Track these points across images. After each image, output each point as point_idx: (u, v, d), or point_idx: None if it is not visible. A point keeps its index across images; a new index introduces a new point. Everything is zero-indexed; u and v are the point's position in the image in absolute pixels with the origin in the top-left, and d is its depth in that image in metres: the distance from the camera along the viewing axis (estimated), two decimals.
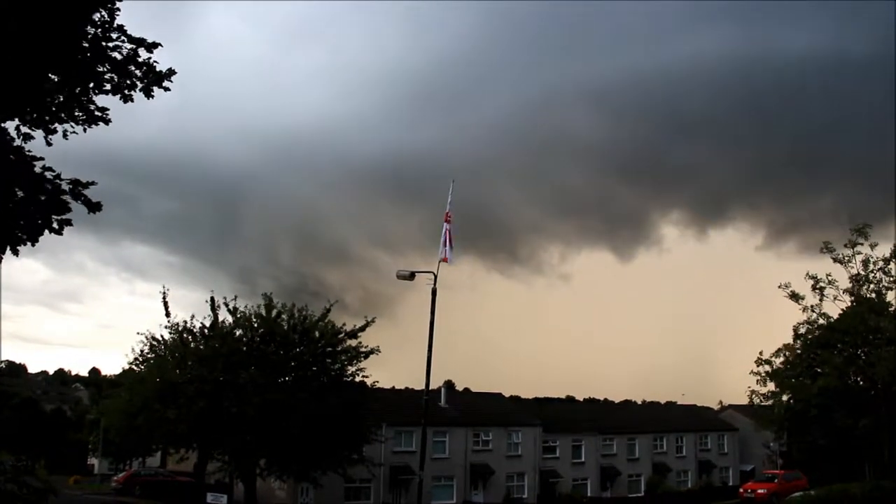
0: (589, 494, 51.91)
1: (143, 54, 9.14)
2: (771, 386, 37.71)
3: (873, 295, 35.38)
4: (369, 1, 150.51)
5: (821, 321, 36.55)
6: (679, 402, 73.12)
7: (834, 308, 36.35)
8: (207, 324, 30.66)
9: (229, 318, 30.82)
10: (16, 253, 8.74)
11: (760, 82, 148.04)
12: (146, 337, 31.31)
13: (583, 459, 53.37)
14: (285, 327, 30.40)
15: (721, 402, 67.88)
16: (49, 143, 8.99)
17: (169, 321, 30.75)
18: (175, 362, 30.40)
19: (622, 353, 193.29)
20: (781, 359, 37.69)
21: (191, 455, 34.32)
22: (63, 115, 9.01)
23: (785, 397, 37.86)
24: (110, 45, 8.94)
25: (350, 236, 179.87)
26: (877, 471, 38.71)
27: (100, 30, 8.83)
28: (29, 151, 8.92)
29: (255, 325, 30.47)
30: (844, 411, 35.28)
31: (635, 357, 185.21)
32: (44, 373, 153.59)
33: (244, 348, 30.05)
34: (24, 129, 8.92)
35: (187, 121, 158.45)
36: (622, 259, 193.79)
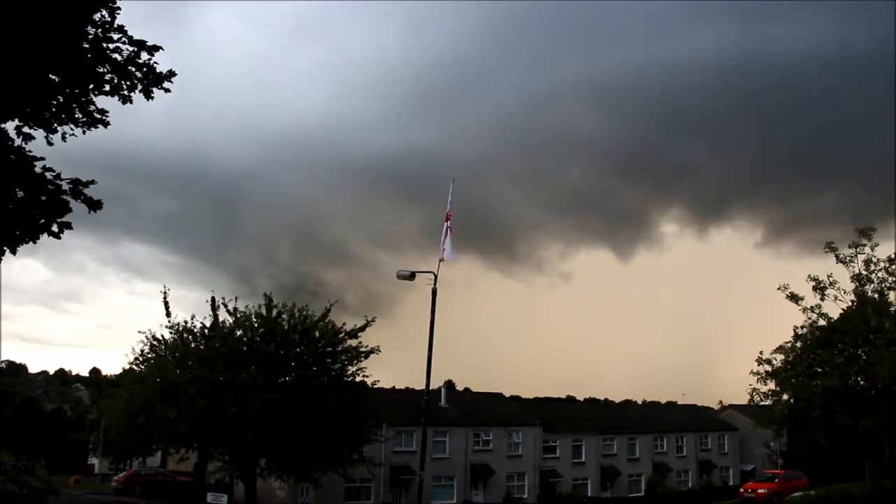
0: (589, 494, 51.90)
1: (143, 56, 9.15)
2: (772, 385, 37.72)
3: (875, 295, 35.37)
4: (368, 0, 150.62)
5: (821, 322, 36.53)
6: (679, 402, 73.23)
7: (835, 308, 36.37)
8: (208, 324, 30.69)
9: (229, 318, 30.86)
10: (14, 252, 8.74)
11: (760, 80, 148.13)
12: (146, 337, 31.35)
13: (583, 459, 53.37)
14: (286, 327, 30.41)
15: (721, 402, 67.97)
16: (50, 143, 9.00)
17: (169, 321, 30.80)
18: (175, 362, 30.40)
19: (622, 353, 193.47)
20: (782, 357, 37.67)
21: (191, 455, 34.33)
22: (63, 115, 9.00)
23: (785, 396, 37.84)
24: (111, 46, 8.94)
25: (349, 236, 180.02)
26: (877, 471, 38.71)
27: (100, 30, 8.83)
28: (29, 152, 8.92)
29: (256, 324, 30.48)
30: (845, 411, 35.29)
31: (635, 357, 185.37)
32: (44, 373, 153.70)
33: (244, 348, 30.05)
34: (25, 130, 8.92)
35: (186, 120, 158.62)
36: (622, 258, 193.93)
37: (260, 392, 27.64)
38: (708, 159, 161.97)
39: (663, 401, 78.48)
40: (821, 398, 35.00)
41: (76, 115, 9.07)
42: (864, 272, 35.51)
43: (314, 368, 30.58)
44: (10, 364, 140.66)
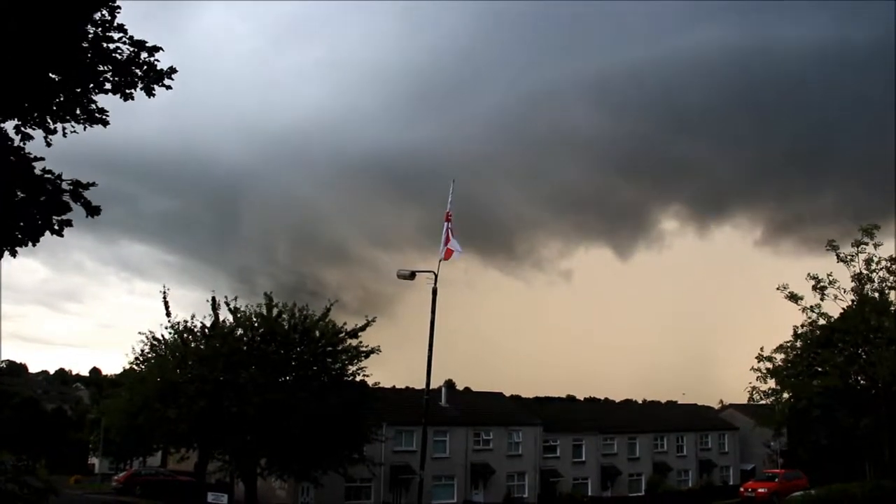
0: (589, 494, 51.92)
1: (143, 56, 9.13)
2: (772, 383, 37.67)
3: (875, 294, 35.31)
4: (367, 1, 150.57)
5: (821, 321, 36.47)
6: (680, 402, 73.20)
7: (835, 307, 36.31)
8: (208, 323, 30.70)
9: (230, 318, 30.87)
10: (14, 254, 8.73)
11: (760, 78, 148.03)
12: (147, 336, 31.37)
13: (583, 459, 53.36)
14: (286, 327, 30.41)
15: (722, 402, 68.04)
16: (49, 144, 8.98)
17: (169, 321, 30.81)
18: (175, 362, 30.41)
19: (622, 353, 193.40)
20: (782, 356, 37.61)
21: (191, 455, 34.34)
22: (63, 114, 8.99)
23: (786, 395, 37.79)
24: (111, 46, 8.93)
25: (348, 235, 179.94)
26: (877, 470, 38.67)
27: (100, 29, 8.82)
28: (29, 152, 8.91)
29: (256, 324, 30.50)
30: (846, 411, 35.22)
31: (636, 356, 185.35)
32: (44, 372, 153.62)
33: (245, 348, 30.06)
34: (24, 130, 8.91)
35: (184, 119, 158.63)
36: (621, 256, 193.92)
37: (260, 392, 27.65)
38: (708, 157, 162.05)
39: (663, 400, 78.57)
40: (821, 397, 34.92)
41: (76, 113, 9.06)
42: (864, 271, 35.46)
43: (314, 368, 30.59)
44: (11, 364, 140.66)
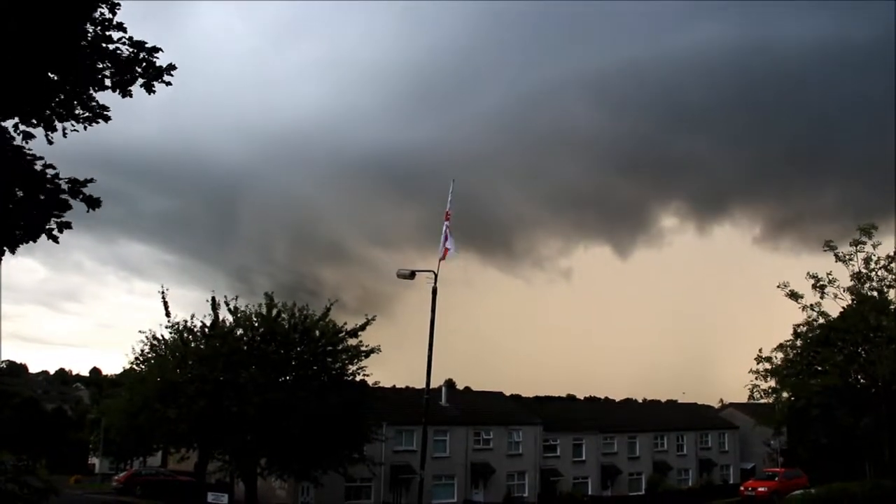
0: (590, 493, 51.94)
1: (143, 56, 9.13)
2: (772, 382, 37.71)
3: (874, 293, 35.33)
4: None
5: (821, 320, 36.50)
6: (680, 401, 73.18)
7: (834, 306, 36.34)
8: (208, 323, 30.70)
9: (230, 318, 30.87)
10: (13, 251, 8.73)
11: (760, 76, 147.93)
12: (147, 336, 31.37)
13: (583, 458, 53.38)
14: (286, 326, 30.41)
15: (722, 401, 68.04)
16: (50, 142, 8.98)
17: (169, 321, 30.80)
18: (175, 362, 30.40)
19: (622, 352, 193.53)
20: (782, 355, 37.64)
21: (191, 455, 34.33)
22: (63, 112, 8.99)
23: (785, 395, 37.82)
24: (111, 47, 8.93)
25: (347, 234, 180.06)
26: (877, 470, 38.70)
27: (100, 28, 8.81)
28: (29, 150, 8.91)
29: (256, 324, 30.49)
30: (846, 410, 35.24)
31: (636, 355, 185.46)
32: (44, 372, 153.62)
33: (245, 348, 30.06)
34: (24, 128, 8.90)
35: (183, 118, 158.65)
36: (621, 255, 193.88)
37: (260, 391, 27.64)
38: (708, 155, 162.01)
39: (664, 399, 78.58)
40: (820, 396, 34.96)
41: (76, 112, 9.05)
42: (863, 270, 35.48)
43: (314, 368, 30.58)
44: (11, 364, 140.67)
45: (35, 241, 8.89)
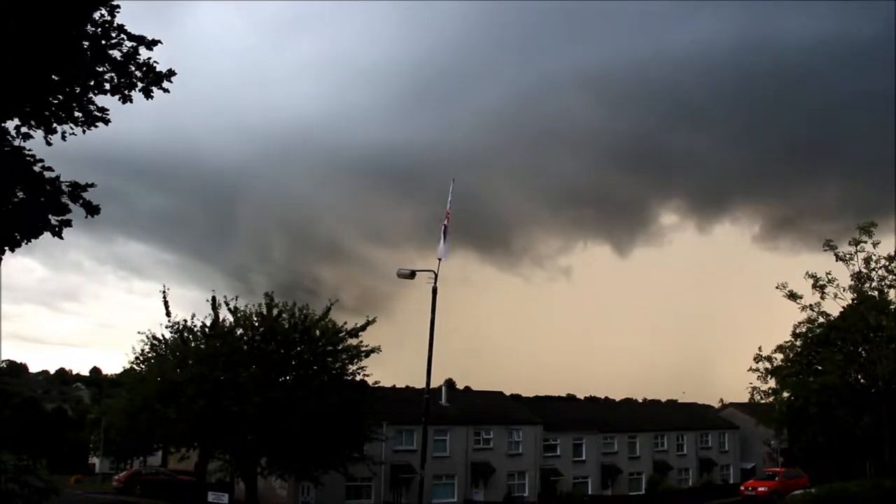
0: (590, 493, 51.92)
1: (143, 52, 9.14)
2: (772, 383, 37.69)
3: (875, 293, 35.31)
4: None
5: (821, 319, 36.49)
6: (680, 401, 73.14)
7: (834, 306, 36.32)
8: (208, 323, 30.71)
9: (230, 317, 30.88)
10: (13, 251, 8.75)
11: (760, 72, 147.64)
12: (147, 336, 31.39)
13: (584, 458, 53.36)
14: (286, 326, 30.42)
15: (722, 400, 67.83)
16: (49, 143, 8.99)
17: (169, 320, 30.82)
18: (176, 361, 30.43)
19: (622, 352, 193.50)
20: (781, 355, 37.63)
21: (192, 454, 34.37)
22: (63, 114, 9.00)
23: (785, 394, 37.80)
24: (111, 43, 8.93)
25: (345, 232, 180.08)
26: (877, 469, 38.70)
27: (100, 29, 8.83)
28: (29, 150, 8.92)
29: (256, 323, 30.50)
30: (845, 409, 35.22)
31: (636, 355, 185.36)
32: (44, 372, 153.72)
33: (245, 347, 30.08)
34: (24, 130, 8.91)
35: (180, 116, 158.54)
36: (621, 253, 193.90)
37: (260, 391, 27.66)
38: (708, 153, 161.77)
39: (664, 399, 78.53)
40: (819, 395, 34.92)
41: (76, 115, 9.07)
42: (863, 270, 35.45)
43: (314, 367, 30.61)
44: (11, 364, 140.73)
45: (36, 239, 8.91)
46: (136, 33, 9.05)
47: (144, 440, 43.82)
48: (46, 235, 8.90)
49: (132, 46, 9.00)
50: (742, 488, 44.04)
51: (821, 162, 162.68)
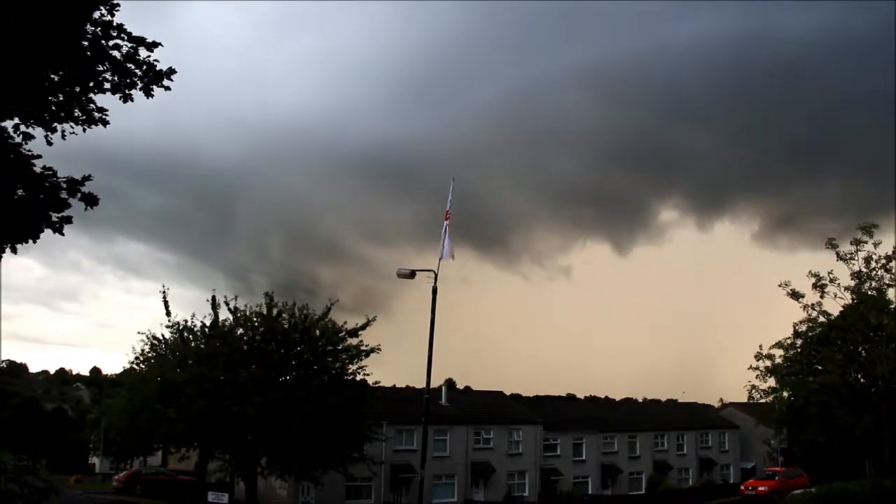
0: (590, 492, 51.92)
1: (142, 52, 9.14)
2: (771, 382, 37.66)
3: (874, 292, 35.29)
4: None
5: (821, 318, 36.46)
6: (680, 400, 73.14)
7: (834, 305, 36.30)
8: (208, 323, 30.70)
9: (230, 317, 30.87)
10: (14, 251, 8.75)
11: (761, 68, 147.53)
12: (146, 336, 31.39)
13: (584, 457, 53.36)
14: (286, 326, 30.42)
15: (722, 400, 67.90)
16: (49, 143, 8.99)
17: (169, 320, 30.82)
18: (176, 361, 30.42)
19: (622, 351, 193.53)
20: (781, 353, 37.60)
21: (192, 454, 34.35)
22: (62, 114, 9.00)
23: (785, 394, 37.77)
24: (110, 43, 8.93)
25: (343, 231, 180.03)
26: (877, 469, 38.68)
27: (99, 28, 8.82)
28: (28, 150, 8.92)
29: (256, 323, 30.50)
30: (845, 409, 35.20)
31: (636, 355, 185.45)
32: (44, 372, 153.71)
33: (245, 347, 30.07)
34: (24, 129, 8.91)
35: (177, 115, 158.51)
36: (621, 252, 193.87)
37: (260, 391, 27.65)
38: (708, 150, 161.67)
39: (664, 399, 78.54)
40: (818, 395, 34.90)
41: (75, 114, 9.06)
42: (864, 269, 35.43)
43: (314, 367, 30.60)
44: (11, 364, 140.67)
45: (36, 241, 8.91)
46: (136, 34, 9.05)
47: (144, 440, 43.79)
48: (45, 234, 8.91)
49: (132, 47, 8.99)
50: (742, 488, 44.04)
51: (821, 159, 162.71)
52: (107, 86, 9.11)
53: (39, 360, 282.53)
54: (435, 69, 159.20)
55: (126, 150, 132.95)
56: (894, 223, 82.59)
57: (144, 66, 9.09)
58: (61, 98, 9.00)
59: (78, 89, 9.01)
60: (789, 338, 37.65)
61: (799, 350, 37.38)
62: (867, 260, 35.29)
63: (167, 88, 9.33)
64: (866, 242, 35.10)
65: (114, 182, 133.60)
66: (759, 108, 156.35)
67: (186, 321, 30.80)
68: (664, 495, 52.36)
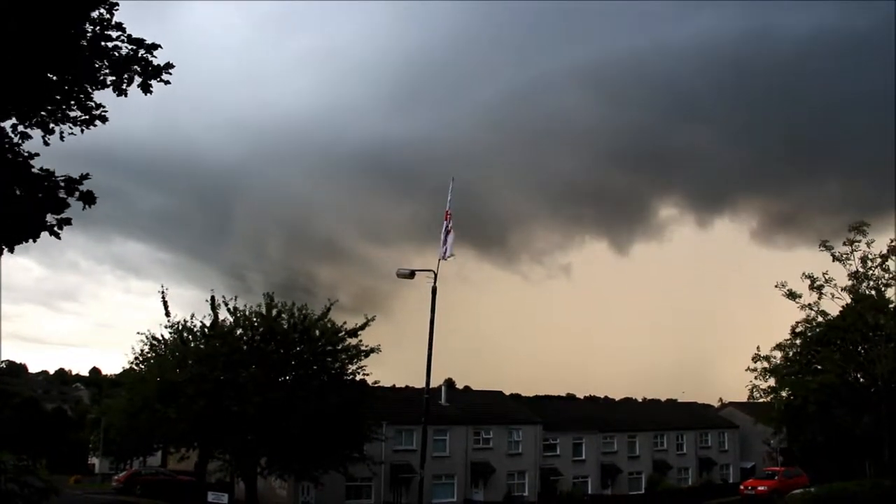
0: (590, 492, 51.93)
1: (141, 54, 9.13)
2: (771, 381, 37.67)
3: (872, 292, 35.29)
4: None
5: (819, 319, 36.46)
6: (679, 400, 73.16)
7: (833, 306, 36.29)
8: (207, 323, 30.71)
9: (229, 318, 30.87)
10: (12, 251, 8.74)
11: (761, 66, 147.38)
12: (146, 336, 31.39)
13: (583, 457, 53.38)
14: (285, 326, 30.42)
15: (721, 400, 67.96)
16: (46, 143, 8.98)
17: (169, 321, 30.82)
18: (175, 361, 30.42)
19: (622, 351, 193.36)
20: (780, 354, 37.61)
21: (191, 454, 34.37)
22: (60, 114, 8.99)
23: (784, 394, 37.78)
24: (109, 44, 8.93)
25: (342, 230, 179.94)
26: (877, 469, 38.69)
27: (98, 27, 8.82)
28: (26, 151, 8.92)
29: (256, 323, 30.50)
30: (845, 409, 35.20)
31: (635, 354, 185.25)
32: (44, 372, 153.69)
33: (244, 347, 30.07)
34: (21, 129, 8.90)
35: (175, 113, 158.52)
36: (620, 250, 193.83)
37: (260, 391, 27.65)
38: (707, 148, 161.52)
39: (663, 398, 78.51)
40: (817, 394, 34.89)
41: (74, 114, 9.06)
42: (860, 269, 35.42)
43: (314, 367, 30.61)
44: (10, 364, 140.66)
45: (35, 241, 8.90)
46: (135, 33, 9.05)
47: (144, 440, 43.81)
48: (44, 234, 8.89)
49: (131, 49, 8.99)
50: (742, 487, 44.05)
51: (820, 159, 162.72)
52: (107, 81, 9.10)
53: (39, 361, 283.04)
54: (434, 68, 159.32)
55: (125, 149, 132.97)
56: (894, 223, 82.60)
57: (142, 62, 9.08)
58: (59, 98, 8.99)
59: (76, 88, 9.00)
60: (788, 338, 37.68)
61: (798, 350, 37.38)
62: (863, 260, 35.28)
63: (166, 83, 9.32)
64: (860, 242, 35.09)
65: (112, 181, 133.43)
66: (758, 108, 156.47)
67: (186, 321, 30.85)
68: (664, 495, 52.39)
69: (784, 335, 37.92)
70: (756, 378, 37.37)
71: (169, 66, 9.23)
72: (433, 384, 23.69)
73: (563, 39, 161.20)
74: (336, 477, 32.37)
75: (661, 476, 55.93)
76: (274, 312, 30.52)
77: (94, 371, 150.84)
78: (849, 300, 35.49)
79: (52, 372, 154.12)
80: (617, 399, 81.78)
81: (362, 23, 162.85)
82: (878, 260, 35.02)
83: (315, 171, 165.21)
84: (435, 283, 20.25)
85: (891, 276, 35.18)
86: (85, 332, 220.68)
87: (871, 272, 35.22)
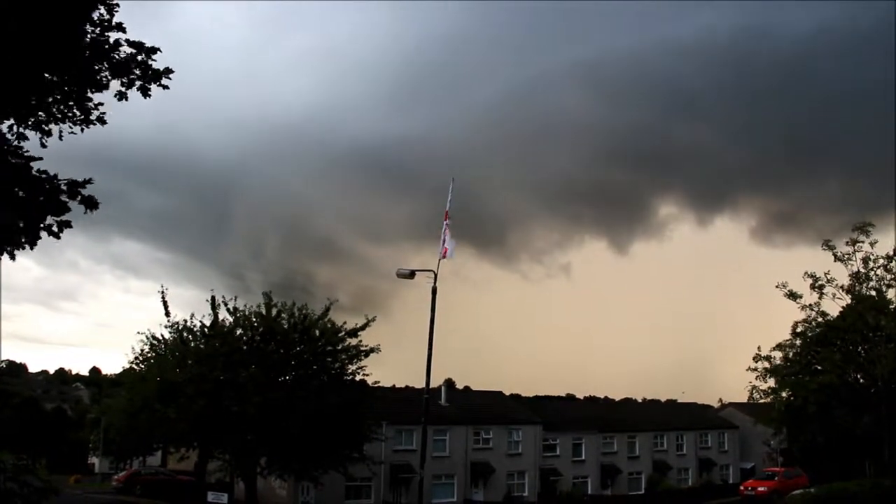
0: (589, 492, 51.92)
1: (141, 58, 9.12)
2: (771, 382, 37.64)
3: (873, 292, 35.26)
4: None
5: (819, 319, 36.43)
6: (679, 400, 73.16)
7: (833, 306, 36.27)
8: (207, 323, 30.70)
9: (229, 318, 30.87)
10: (12, 257, 8.73)
11: (760, 64, 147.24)
12: (146, 336, 31.39)
13: (583, 457, 53.37)
14: (285, 326, 30.42)
15: (721, 400, 67.86)
16: (44, 145, 8.97)
17: (169, 321, 30.82)
18: (175, 361, 30.42)
19: (622, 351, 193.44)
20: (780, 354, 37.58)
21: (191, 454, 34.37)
22: (59, 115, 8.98)
23: (785, 394, 37.76)
24: (109, 45, 8.92)
25: (340, 229, 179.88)
26: (877, 469, 38.68)
27: (99, 28, 8.81)
28: (26, 152, 8.90)
29: (256, 323, 30.50)
30: (845, 409, 35.18)
31: (635, 355, 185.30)
32: (44, 372, 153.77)
33: (244, 347, 30.07)
34: (20, 130, 8.89)
35: (173, 113, 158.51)
36: (620, 249, 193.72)
37: (260, 391, 27.65)
38: (707, 146, 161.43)
39: (663, 399, 78.59)
40: (817, 395, 34.87)
41: (73, 114, 9.05)
42: (862, 270, 35.39)
43: (314, 367, 30.61)
44: (10, 364, 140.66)
45: (33, 247, 8.88)
46: (135, 34, 9.04)
47: (144, 440, 43.84)
48: (43, 234, 8.87)
49: (131, 53, 8.98)
50: (741, 488, 44.06)
51: (820, 158, 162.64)
52: (105, 82, 9.09)
53: (39, 360, 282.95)
54: (433, 68, 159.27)
55: (123, 149, 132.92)
56: (894, 223, 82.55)
57: (143, 66, 9.07)
58: (58, 99, 8.98)
59: (76, 90, 8.98)
60: (788, 339, 37.64)
61: (798, 350, 37.35)
62: (865, 260, 35.25)
63: (165, 87, 9.31)
64: (863, 242, 35.07)
65: (111, 181, 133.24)
66: (759, 107, 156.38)
67: (186, 321, 30.85)
68: (663, 495, 52.39)
69: (784, 335, 37.90)
70: (756, 378, 37.35)
71: (169, 70, 9.23)
72: (433, 384, 23.68)
73: (562, 38, 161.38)
74: (336, 477, 32.37)
75: (660, 476, 55.93)
76: (274, 312, 30.52)
77: (94, 371, 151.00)
78: (849, 300, 35.46)
79: (51, 372, 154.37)
80: (617, 399, 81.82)
81: (361, 22, 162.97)
82: (882, 260, 34.99)
83: (314, 171, 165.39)
84: (435, 283, 20.24)
85: (893, 276, 35.15)
86: (84, 332, 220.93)
87: (872, 273, 35.19)
